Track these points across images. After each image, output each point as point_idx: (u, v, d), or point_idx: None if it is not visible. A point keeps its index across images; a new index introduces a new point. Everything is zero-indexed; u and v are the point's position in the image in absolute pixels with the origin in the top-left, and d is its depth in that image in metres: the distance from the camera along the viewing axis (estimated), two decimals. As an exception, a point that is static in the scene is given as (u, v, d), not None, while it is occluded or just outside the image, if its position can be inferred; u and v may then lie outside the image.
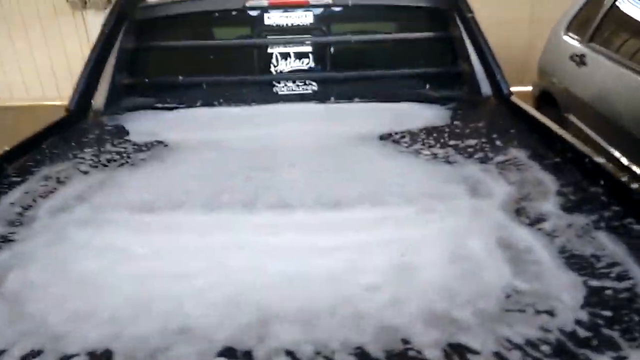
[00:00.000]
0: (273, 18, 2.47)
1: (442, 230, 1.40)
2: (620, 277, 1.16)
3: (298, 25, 2.46)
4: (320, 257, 1.31)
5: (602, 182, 1.50)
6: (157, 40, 2.51)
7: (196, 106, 2.40)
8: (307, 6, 2.44)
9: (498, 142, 1.90)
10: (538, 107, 4.25)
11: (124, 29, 2.40)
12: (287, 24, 2.46)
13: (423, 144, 1.94)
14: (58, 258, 1.33)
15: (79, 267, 1.29)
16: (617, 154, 3.06)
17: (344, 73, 2.51)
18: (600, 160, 1.56)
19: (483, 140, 1.93)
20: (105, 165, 1.87)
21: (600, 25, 3.57)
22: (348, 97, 2.42)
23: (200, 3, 2.46)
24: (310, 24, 2.47)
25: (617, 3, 3.50)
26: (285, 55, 2.46)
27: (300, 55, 2.47)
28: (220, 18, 2.53)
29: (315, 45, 2.48)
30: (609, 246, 1.27)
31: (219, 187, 1.66)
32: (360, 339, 1.04)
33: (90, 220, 1.50)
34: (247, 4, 2.43)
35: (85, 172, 1.82)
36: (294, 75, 2.47)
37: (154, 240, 1.40)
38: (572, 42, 3.80)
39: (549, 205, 1.46)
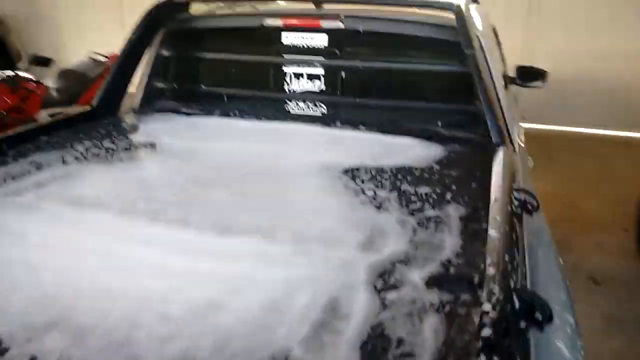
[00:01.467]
0: (290, 38, 2.48)
1: (286, 275, 1.31)
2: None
3: (313, 47, 2.44)
4: (156, 277, 1.31)
5: None
6: (190, 51, 2.68)
7: (212, 115, 2.51)
8: (319, 29, 2.41)
9: (448, 195, 1.70)
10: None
11: (161, 37, 2.61)
12: (302, 45, 2.45)
13: (376, 184, 1.81)
14: None
15: None
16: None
17: (350, 99, 2.44)
18: None
19: (437, 190, 1.74)
20: (86, 159, 2.04)
21: None
22: (354, 124, 2.34)
23: (225, 19, 2.58)
24: (325, 47, 2.44)
25: None
26: (298, 76, 2.46)
27: (311, 77, 2.45)
28: (243, 35, 2.62)
29: (326, 68, 2.44)
30: None
31: (144, 195, 1.73)
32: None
33: (23, 206, 1.67)
34: (264, 24, 2.48)
35: (65, 162, 2.00)
36: (304, 96, 2.46)
37: (50, 231, 1.51)
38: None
39: (414, 275, 1.29)
